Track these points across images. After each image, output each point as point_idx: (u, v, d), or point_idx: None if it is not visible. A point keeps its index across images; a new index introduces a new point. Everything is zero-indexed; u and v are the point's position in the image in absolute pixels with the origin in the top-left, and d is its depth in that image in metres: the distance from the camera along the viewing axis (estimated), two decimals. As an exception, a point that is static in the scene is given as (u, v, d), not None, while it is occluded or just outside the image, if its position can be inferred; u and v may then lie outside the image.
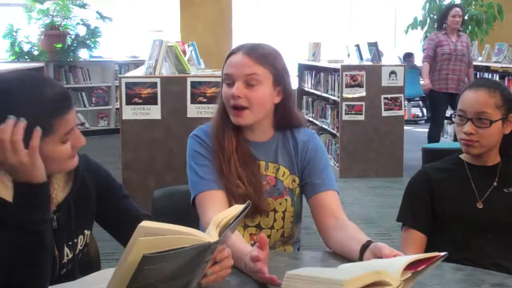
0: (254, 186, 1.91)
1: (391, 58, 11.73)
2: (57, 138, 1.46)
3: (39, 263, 1.39)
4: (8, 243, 1.38)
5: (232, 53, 1.93)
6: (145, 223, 1.19)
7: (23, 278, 1.38)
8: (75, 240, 1.62)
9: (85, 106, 9.76)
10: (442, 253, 1.42)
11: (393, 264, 1.38)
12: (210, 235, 1.29)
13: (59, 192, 1.58)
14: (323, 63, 7.78)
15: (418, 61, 11.71)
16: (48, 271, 1.43)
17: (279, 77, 1.93)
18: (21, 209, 1.38)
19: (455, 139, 6.92)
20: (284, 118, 1.99)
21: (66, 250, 1.59)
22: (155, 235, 1.19)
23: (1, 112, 1.37)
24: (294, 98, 2.05)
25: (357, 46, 7.10)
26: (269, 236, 1.96)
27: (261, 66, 1.88)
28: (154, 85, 4.02)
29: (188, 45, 6.00)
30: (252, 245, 1.92)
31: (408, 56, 11.15)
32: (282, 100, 1.96)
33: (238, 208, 1.40)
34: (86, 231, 1.67)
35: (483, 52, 8.34)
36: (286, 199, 1.97)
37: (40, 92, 1.45)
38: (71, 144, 1.50)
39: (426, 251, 2.13)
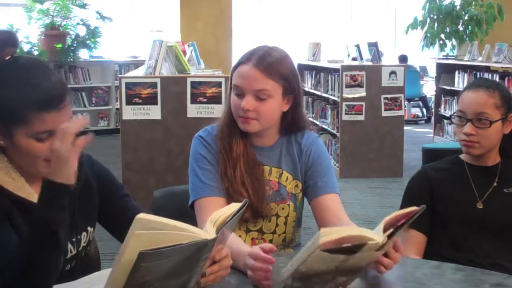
0: (257, 192, 1.90)
1: (391, 58, 11.74)
2: (30, 132, 1.46)
3: (48, 262, 1.39)
4: (24, 237, 1.41)
5: (241, 62, 1.90)
6: (142, 215, 1.18)
7: (33, 275, 1.38)
8: (79, 237, 1.63)
9: (85, 106, 9.76)
10: (419, 207, 1.46)
11: (376, 228, 1.42)
12: (207, 232, 1.29)
13: None
14: (323, 63, 7.79)
15: (413, 62, 11.74)
16: (58, 271, 1.43)
17: (289, 86, 1.91)
18: (42, 207, 1.39)
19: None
20: (291, 124, 1.99)
21: (70, 246, 1.60)
22: (152, 228, 1.19)
23: None
24: (302, 101, 2.04)
25: (357, 46, 7.11)
26: (271, 241, 1.96)
27: (271, 80, 1.86)
28: (154, 85, 4.02)
29: (188, 45, 6.01)
30: None
31: (403, 59, 11.05)
32: (291, 107, 1.95)
33: (235, 206, 1.40)
34: (89, 228, 1.68)
35: (483, 52, 8.33)
36: (288, 204, 1.97)
37: (26, 80, 1.45)
38: (51, 147, 1.48)
39: (426, 251, 2.14)
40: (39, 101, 1.44)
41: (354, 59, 7.32)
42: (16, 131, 1.46)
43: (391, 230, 1.40)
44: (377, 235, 1.37)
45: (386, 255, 1.53)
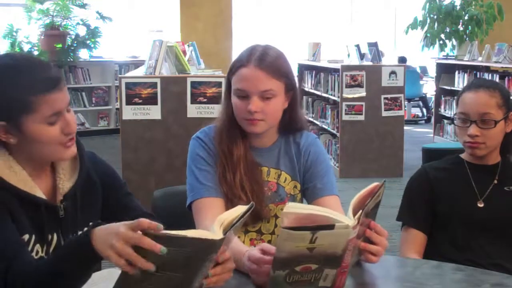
0: (257, 195, 1.89)
1: (391, 58, 11.73)
2: (40, 118, 1.47)
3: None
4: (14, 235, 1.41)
5: (241, 65, 1.87)
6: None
7: None
8: (80, 232, 1.63)
9: (85, 106, 9.76)
10: (380, 183, 1.50)
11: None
12: (214, 233, 1.29)
13: (65, 182, 1.60)
14: (323, 63, 7.78)
15: (413, 62, 11.73)
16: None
17: (290, 84, 1.92)
18: (69, 260, 1.36)
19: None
20: (290, 122, 1.98)
21: None
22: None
23: None
24: (298, 99, 2.04)
25: (357, 46, 7.10)
26: (269, 242, 1.95)
27: (275, 80, 1.86)
28: (154, 85, 4.02)
29: (188, 45, 6.00)
30: None
31: (402, 61, 10.99)
32: (290, 104, 1.95)
33: (241, 208, 1.39)
34: (91, 224, 1.68)
35: (483, 52, 8.32)
36: None
37: (18, 71, 1.47)
38: (61, 129, 1.51)
39: (426, 251, 2.14)
40: (41, 83, 1.47)
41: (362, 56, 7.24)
42: (26, 122, 1.47)
43: (360, 212, 1.41)
44: (346, 218, 1.38)
45: (371, 242, 1.53)
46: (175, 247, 1.22)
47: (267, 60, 1.85)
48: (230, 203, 1.87)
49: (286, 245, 1.33)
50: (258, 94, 1.85)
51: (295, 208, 1.34)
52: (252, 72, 1.84)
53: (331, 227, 1.33)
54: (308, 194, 1.96)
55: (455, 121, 2.15)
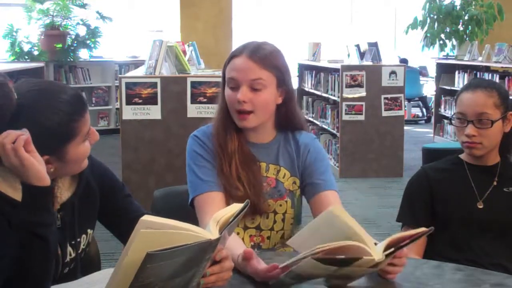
0: (254, 187, 1.91)
1: (391, 58, 11.73)
2: (80, 139, 1.51)
3: (38, 265, 1.38)
4: (13, 242, 1.39)
5: (234, 55, 1.91)
6: (146, 217, 1.20)
7: (24, 278, 1.38)
8: (78, 240, 1.63)
9: (85, 106, 9.74)
10: (427, 229, 1.46)
11: (379, 244, 1.42)
12: (210, 232, 1.29)
13: (63, 192, 1.59)
14: (323, 63, 7.78)
15: (413, 62, 11.72)
16: (50, 273, 1.43)
17: (283, 78, 1.93)
18: (22, 210, 1.38)
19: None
20: (286, 119, 1.99)
21: (69, 249, 1.60)
22: (156, 229, 1.19)
23: (25, 127, 1.39)
24: (295, 98, 2.05)
25: (357, 46, 7.10)
26: (268, 238, 1.97)
27: (266, 70, 1.88)
28: (154, 85, 4.01)
29: (188, 45, 6.00)
30: (253, 246, 1.92)
31: (403, 62, 10.98)
32: (284, 100, 1.96)
33: (237, 206, 1.40)
34: (89, 230, 1.68)
35: (483, 52, 8.32)
36: (286, 201, 1.96)
37: (58, 101, 1.47)
38: (89, 141, 1.56)
39: (426, 251, 2.14)
40: (78, 108, 1.51)
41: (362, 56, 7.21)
42: (69, 148, 1.49)
43: (392, 249, 1.40)
44: (375, 251, 1.37)
45: (391, 263, 1.52)
46: (175, 258, 1.21)
47: (260, 52, 1.89)
48: (227, 194, 1.89)
49: (310, 269, 1.35)
50: (248, 84, 1.87)
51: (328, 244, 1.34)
52: (243, 62, 1.88)
53: (357, 259, 1.34)
54: (308, 190, 1.97)
55: (453, 121, 2.15)
